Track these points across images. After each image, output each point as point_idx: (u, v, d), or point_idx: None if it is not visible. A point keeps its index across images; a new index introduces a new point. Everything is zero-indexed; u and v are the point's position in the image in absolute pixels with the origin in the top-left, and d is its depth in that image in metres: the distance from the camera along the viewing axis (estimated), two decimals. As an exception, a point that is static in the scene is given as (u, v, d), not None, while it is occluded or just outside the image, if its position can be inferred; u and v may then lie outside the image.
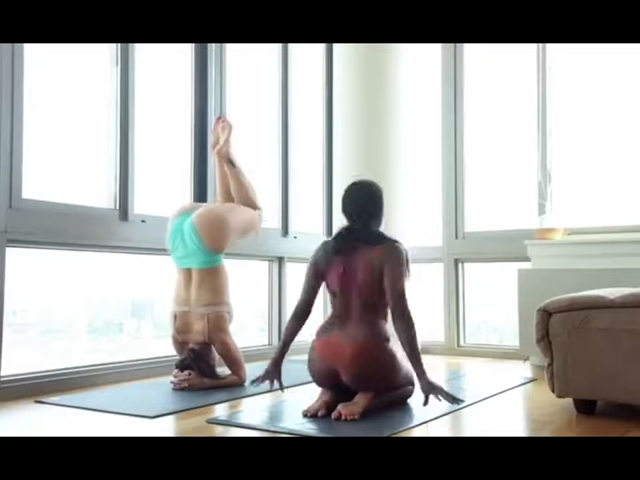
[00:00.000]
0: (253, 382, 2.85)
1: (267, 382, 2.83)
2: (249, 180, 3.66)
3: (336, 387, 2.76)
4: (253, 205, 3.63)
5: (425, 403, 2.61)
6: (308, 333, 2.99)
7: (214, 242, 3.36)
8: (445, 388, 2.65)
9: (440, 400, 2.61)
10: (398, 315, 2.68)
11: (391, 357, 2.74)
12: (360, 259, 2.77)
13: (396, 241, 2.81)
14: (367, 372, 2.68)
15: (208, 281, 3.37)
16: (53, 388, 3.19)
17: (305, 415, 2.65)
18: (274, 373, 2.82)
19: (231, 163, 3.60)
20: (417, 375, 2.65)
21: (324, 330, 2.82)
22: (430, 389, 2.61)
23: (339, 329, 2.77)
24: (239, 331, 3.78)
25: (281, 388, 2.85)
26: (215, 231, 3.37)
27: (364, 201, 2.87)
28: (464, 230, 4.81)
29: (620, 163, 4.33)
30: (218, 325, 3.33)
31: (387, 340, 2.74)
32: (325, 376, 2.78)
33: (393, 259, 2.74)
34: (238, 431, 2.50)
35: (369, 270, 2.75)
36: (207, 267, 3.38)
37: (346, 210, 2.89)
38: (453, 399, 2.60)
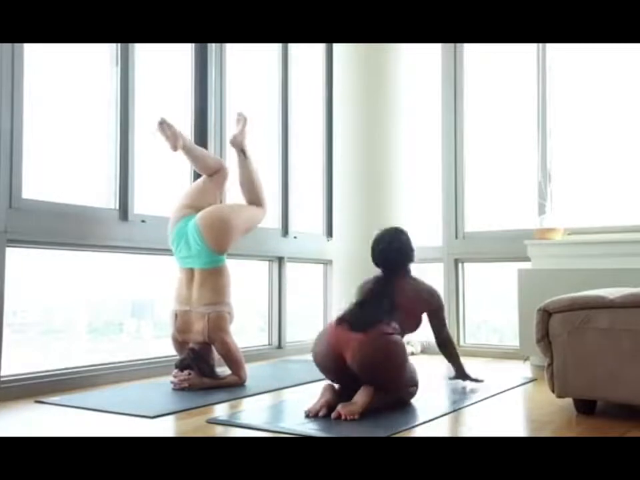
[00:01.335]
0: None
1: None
2: (257, 174, 3.66)
3: (340, 378, 2.77)
4: (258, 201, 3.62)
5: (473, 380, 3.35)
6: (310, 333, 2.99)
7: (217, 243, 3.37)
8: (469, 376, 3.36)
9: (473, 381, 3.35)
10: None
11: (401, 349, 2.77)
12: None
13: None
14: (374, 360, 2.68)
15: (210, 280, 3.37)
16: (53, 388, 3.19)
17: (307, 416, 2.65)
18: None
19: (243, 152, 3.63)
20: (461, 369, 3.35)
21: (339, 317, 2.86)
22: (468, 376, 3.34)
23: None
24: (238, 331, 3.78)
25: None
26: (217, 231, 3.37)
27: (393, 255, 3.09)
28: (464, 230, 4.81)
29: (620, 163, 4.33)
30: (218, 324, 3.33)
31: (399, 332, 2.80)
32: (331, 360, 2.77)
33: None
34: (238, 430, 2.50)
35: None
36: (210, 267, 3.38)
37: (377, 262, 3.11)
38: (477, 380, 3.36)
